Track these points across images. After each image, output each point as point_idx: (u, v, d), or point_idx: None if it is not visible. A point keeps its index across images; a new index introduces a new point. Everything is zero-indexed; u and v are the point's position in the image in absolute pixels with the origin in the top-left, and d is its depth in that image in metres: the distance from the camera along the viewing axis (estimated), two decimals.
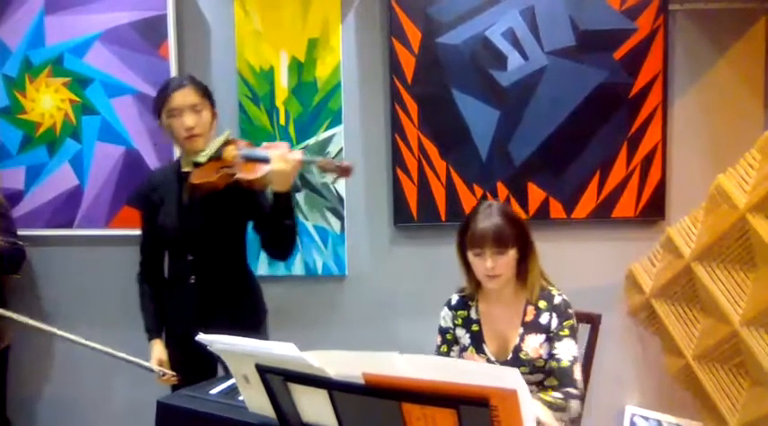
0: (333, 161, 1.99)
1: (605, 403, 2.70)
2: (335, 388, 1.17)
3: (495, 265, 1.81)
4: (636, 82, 2.62)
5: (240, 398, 1.47)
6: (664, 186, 2.65)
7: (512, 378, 0.99)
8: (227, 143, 2.09)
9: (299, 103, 2.71)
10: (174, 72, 2.74)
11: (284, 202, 2.02)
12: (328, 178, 2.00)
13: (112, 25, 2.76)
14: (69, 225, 2.85)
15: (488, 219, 1.83)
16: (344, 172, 1.97)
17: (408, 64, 2.68)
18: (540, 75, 2.63)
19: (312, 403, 1.25)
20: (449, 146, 2.69)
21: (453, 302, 2.01)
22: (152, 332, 2.29)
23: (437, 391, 1.04)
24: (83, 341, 2.04)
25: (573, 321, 1.88)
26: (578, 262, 2.70)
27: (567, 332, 1.86)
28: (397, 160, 2.71)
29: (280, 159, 1.95)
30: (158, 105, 2.13)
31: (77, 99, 2.80)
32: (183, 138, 2.10)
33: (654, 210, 2.66)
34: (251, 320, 2.25)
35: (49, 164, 2.84)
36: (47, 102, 2.82)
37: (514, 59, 2.64)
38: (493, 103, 2.65)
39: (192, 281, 2.16)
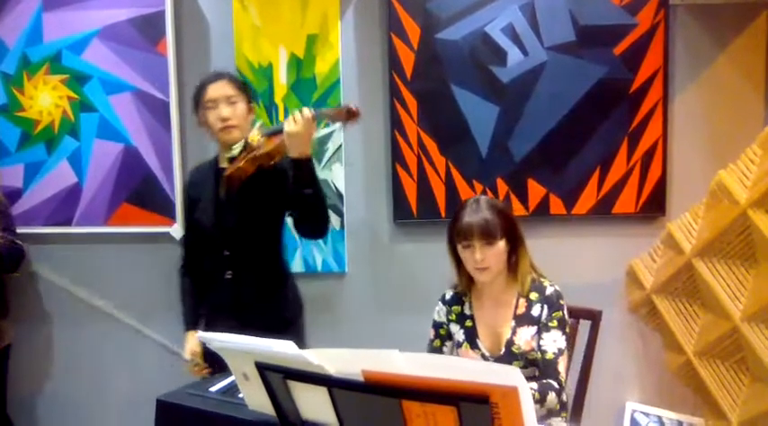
0: (339, 108, 1.95)
1: (606, 400, 2.69)
2: (335, 386, 1.17)
3: (485, 257, 1.83)
4: (636, 77, 2.61)
5: (240, 396, 1.47)
6: (664, 182, 2.65)
7: (513, 376, 0.98)
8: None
9: (297, 100, 2.70)
10: (172, 69, 2.73)
11: (304, 170, 1.99)
12: (337, 125, 1.99)
13: (110, 22, 2.76)
14: (68, 222, 2.85)
15: (475, 213, 1.85)
16: (352, 115, 1.93)
17: (408, 60, 2.67)
18: (539, 71, 2.62)
19: (312, 401, 1.24)
20: (448, 142, 2.68)
21: (448, 297, 2.03)
22: (189, 325, 2.30)
23: (437, 388, 1.04)
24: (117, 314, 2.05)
25: (562, 312, 1.89)
26: (579, 259, 2.69)
27: (555, 323, 1.86)
28: (396, 156, 2.70)
29: (292, 122, 1.93)
30: (196, 100, 2.17)
31: (75, 96, 2.79)
32: (219, 130, 2.12)
33: (654, 206, 2.65)
34: (286, 315, 2.26)
35: (48, 161, 2.83)
36: (45, 99, 2.81)
37: (514, 55, 2.63)
38: (493, 99, 2.64)
39: (229, 276, 2.18)
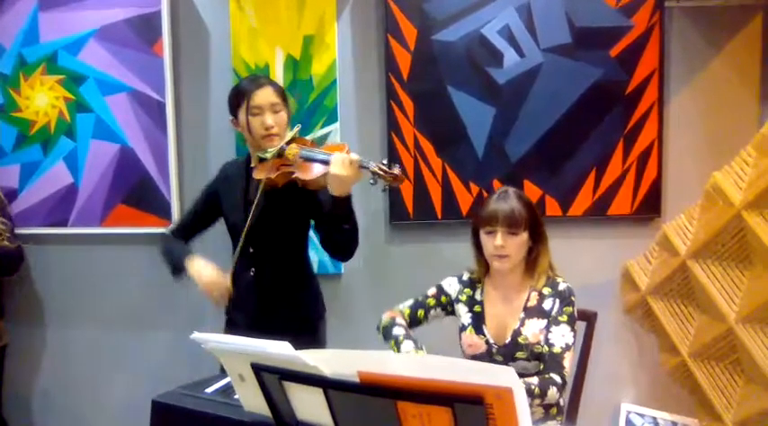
0: (387, 169, 1.93)
1: (601, 401, 2.70)
2: (331, 387, 1.17)
3: (506, 244, 1.86)
4: (632, 79, 2.61)
5: (235, 397, 1.47)
6: (660, 183, 2.65)
7: (507, 376, 0.99)
8: (292, 140, 2.10)
9: (294, 101, 2.70)
10: (168, 69, 2.73)
11: (343, 207, 2.01)
12: (379, 184, 1.96)
13: (107, 22, 2.76)
14: (64, 223, 2.85)
15: (504, 201, 1.89)
16: (397, 179, 1.92)
17: (404, 61, 2.67)
18: (536, 73, 2.63)
19: (307, 402, 1.24)
20: (445, 143, 2.69)
21: (464, 278, 2.06)
22: (186, 254, 2.20)
23: (432, 389, 1.04)
24: None
25: (573, 309, 1.90)
26: (574, 260, 2.69)
27: (565, 318, 1.88)
28: (392, 157, 2.70)
29: (340, 164, 1.92)
30: (237, 102, 2.15)
31: (72, 96, 2.79)
32: (262, 137, 2.11)
33: (650, 208, 2.66)
34: (308, 315, 2.27)
35: (44, 162, 2.83)
36: (41, 99, 2.81)
37: (510, 56, 2.63)
38: (489, 100, 2.65)
39: (252, 274, 2.19)
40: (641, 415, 2.65)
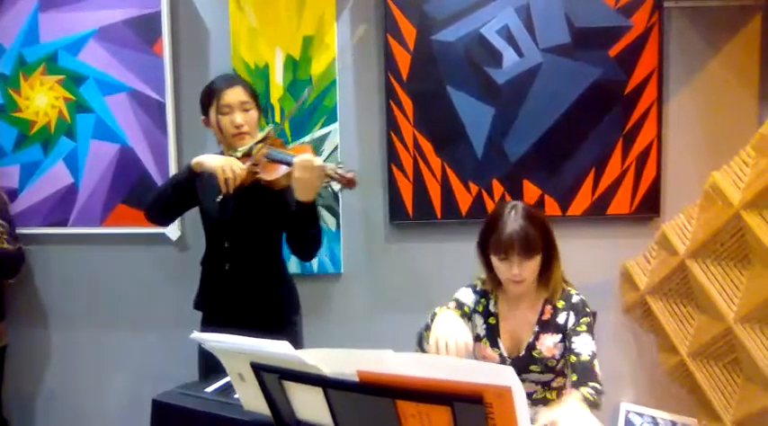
0: (342, 172, 1.97)
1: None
2: (330, 386, 1.17)
3: (522, 271, 1.78)
4: (631, 79, 2.62)
5: (235, 396, 1.47)
6: (659, 183, 2.66)
7: (506, 376, 0.99)
8: (263, 140, 2.12)
9: (294, 101, 2.71)
10: (168, 70, 2.73)
11: (308, 212, 2.04)
12: (335, 186, 2.02)
13: (107, 23, 2.76)
14: (64, 223, 2.85)
15: (515, 223, 1.78)
16: (349, 183, 1.96)
17: (404, 61, 2.67)
18: (535, 73, 2.63)
19: (307, 401, 1.25)
20: (444, 143, 2.69)
21: (477, 288, 1.99)
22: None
23: (431, 388, 1.04)
24: None
25: (590, 319, 1.87)
26: (573, 260, 2.66)
27: (584, 328, 1.84)
28: (392, 157, 2.71)
29: (302, 168, 1.95)
30: (208, 101, 2.18)
31: (72, 97, 2.79)
32: (232, 136, 2.15)
33: (649, 207, 2.67)
34: (282, 313, 2.28)
35: (44, 162, 2.83)
36: (41, 99, 2.81)
37: (510, 56, 2.64)
38: (488, 100, 2.65)
39: (227, 268, 2.20)
40: (640, 415, 2.66)
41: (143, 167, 2.78)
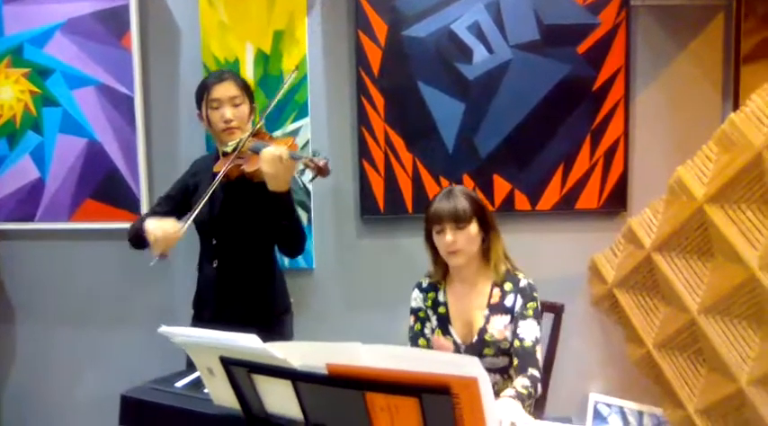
0: (314, 159, 1.94)
1: (569, 391, 2.74)
2: (299, 379, 1.18)
3: (456, 239, 1.88)
4: (599, 75, 2.66)
5: (205, 391, 1.47)
6: (626, 178, 2.70)
7: (472, 367, 1.01)
8: (254, 134, 2.13)
9: (264, 96, 2.69)
10: (136, 63, 2.70)
11: (280, 203, 2.03)
12: (307, 175, 2.03)
13: (74, 15, 2.71)
14: (31, 218, 2.80)
15: (447, 199, 1.92)
16: (321, 170, 1.93)
17: (375, 56, 2.68)
18: (505, 69, 2.65)
19: (277, 395, 1.25)
20: (415, 138, 2.70)
21: (424, 285, 2.08)
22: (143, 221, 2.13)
23: (399, 380, 1.06)
24: None
25: (536, 304, 1.94)
26: (542, 253, 2.73)
27: (530, 313, 1.92)
28: (363, 152, 2.71)
29: (269, 160, 1.94)
30: (200, 96, 2.19)
31: (38, 90, 2.75)
32: (221, 130, 2.15)
33: (616, 202, 2.71)
34: (272, 310, 2.27)
35: (10, 156, 2.78)
36: (6, 93, 2.76)
37: (480, 53, 2.65)
38: (459, 96, 2.67)
39: (215, 265, 2.20)
40: (608, 405, 2.71)
41: (111, 162, 2.75)
